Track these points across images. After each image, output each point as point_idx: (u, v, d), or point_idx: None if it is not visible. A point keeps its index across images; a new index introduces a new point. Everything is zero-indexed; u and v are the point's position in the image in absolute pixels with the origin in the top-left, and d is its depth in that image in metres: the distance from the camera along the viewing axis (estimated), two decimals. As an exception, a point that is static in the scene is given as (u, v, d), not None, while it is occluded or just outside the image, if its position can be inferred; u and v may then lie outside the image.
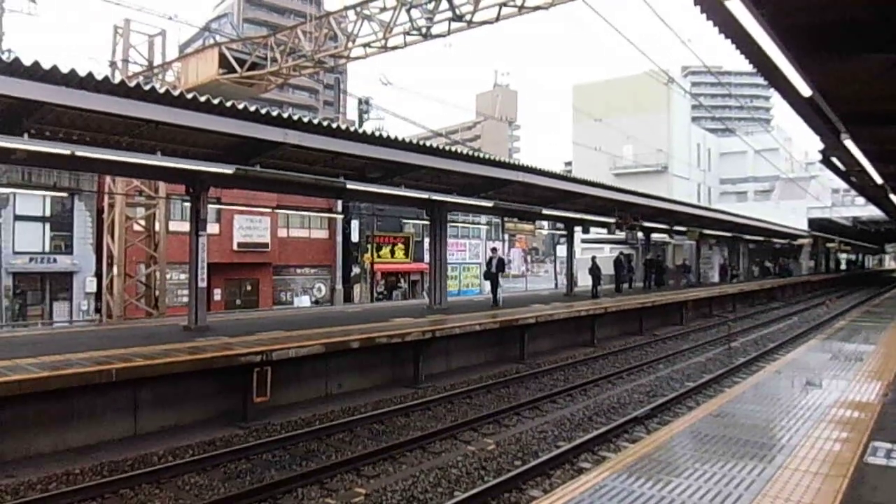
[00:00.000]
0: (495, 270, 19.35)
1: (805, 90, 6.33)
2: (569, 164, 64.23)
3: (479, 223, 40.22)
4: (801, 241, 47.26)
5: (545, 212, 20.71)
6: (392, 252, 35.51)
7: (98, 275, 22.01)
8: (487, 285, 43.62)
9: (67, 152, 9.31)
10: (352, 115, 33.80)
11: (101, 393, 8.61)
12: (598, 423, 10.12)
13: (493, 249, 19.22)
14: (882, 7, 5.17)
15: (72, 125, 9.88)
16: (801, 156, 62.50)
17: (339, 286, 32.72)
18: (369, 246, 32.22)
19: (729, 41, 5.70)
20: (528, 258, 72.42)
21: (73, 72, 8.06)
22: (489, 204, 17.33)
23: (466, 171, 14.47)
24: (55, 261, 23.67)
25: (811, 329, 22.11)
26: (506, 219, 21.21)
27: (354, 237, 32.33)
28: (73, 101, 8.35)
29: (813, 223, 47.63)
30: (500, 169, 15.73)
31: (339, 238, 32.62)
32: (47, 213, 23.88)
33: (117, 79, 8.97)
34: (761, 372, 9.89)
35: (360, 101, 29.09)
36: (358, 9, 13.04)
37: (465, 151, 14.90)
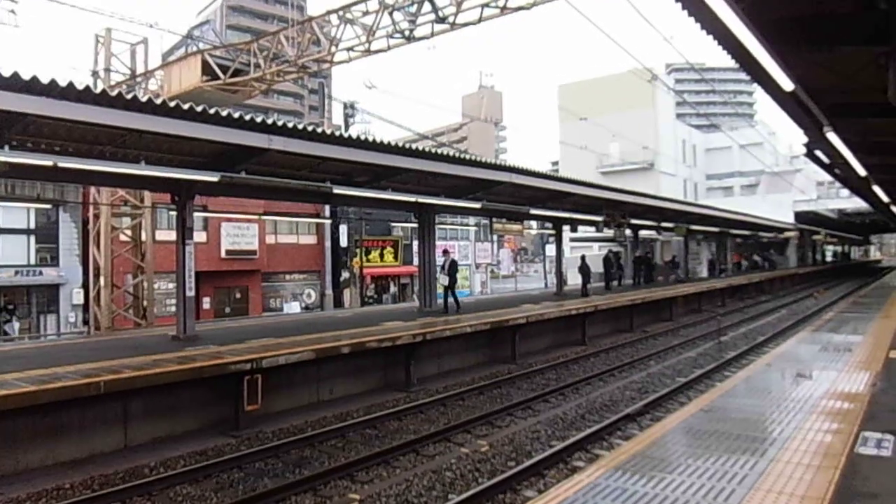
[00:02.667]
0: (448, 273, 17.76)
1: (787, 84, 6.36)
2: (556, 163, 64.44)
3: (467, 225, 40.22)
4: (787, 234, 47.57)
5: (533, 212, 20.72)
6: (381, 256, 35.47)
7: (85, 286, 21.84)
8: (478, 286, 43.82)
9: (50, 163, 9.22)
10: (337, 119, 33.76)
11: (90, 406, 8.54)
12: (591, 421, 10.13)
13: (445, 251, 18.28)
14: (860, 0, 5.21)
15: (54, 136, 9.79)
16: (785, 149, 62.91)
17: (329, 291, 32.62)
18: (358, 250, 32.17)
19: (710, 37, 5.72)
20: (518, 258, 72.49)
21: (53, 82, 7.98)
22: (477, 205, 17.32)
23: (453, 173, 14.46)
24: (41, 273, 23.46)
25: (800, 321, 22.27)
26: (494, 219, 21.21)
27: (343, 242, 32.24)
28: (54, 111, 8.27)
29: (799, 216, 47.98)
30: (487, 170, 15.74)
31: (328, 243, 32.54)
32: (32, 226, 23.68)
33: (99, 88, 8.89)
34: (752, 365, 9.93)
35: (345, 106, 29.07)
36: (341, 13, 13.02)
37: (451, 153, 14.89)
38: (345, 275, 32.50)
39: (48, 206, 22.50)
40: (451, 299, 17.87)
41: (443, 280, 17.85)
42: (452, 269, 17.85)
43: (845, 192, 34.62)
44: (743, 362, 14.37)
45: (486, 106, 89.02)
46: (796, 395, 7.24)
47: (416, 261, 26.69)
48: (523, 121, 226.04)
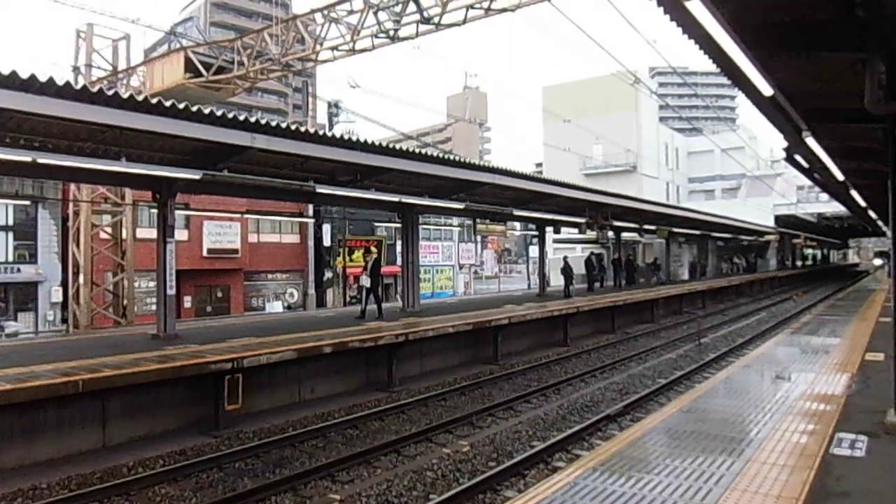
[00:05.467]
0: (370, 274, 16.28)
1: (766, 89, 6.43)
2: (539, 164, 64.61)
3: (451, 225, 40.26)
4: (767, 237, 48.10)
5: (517, 213, 20.79)
6: (364, 255, 35.34)
7: (64, 284, 21.58)
8: (461, 286, 43.84)
9: (29, 160, 9.12)
10: (322, 118, 33.62)
11: (67, 404, 8.44)
12: (572, 421, 10.18)
13: (367, 250, 16.56)
14: (838, 7, 5.28)
15: (33, 132, 9.68)
16: (766, 154, 63.55)
17: (312, 291, 32.50)
18: (341, 250, 32.05)
19: (692, 41, 5.78)
20: (501, 259, 72.65)
21: (33, 77, 7.88)
22: (460, 206, 17.35)
23: (437, 174, 14.47)
24: (19, 270, 23.17)
25: (779, 323, 22.49)
26: (478, 220, 21.25)
27: (326, 241, 32.15)
28: (34, 107, 8.16)
29: (779, 220, 48.54)
30: (470, 171, 15.77)
31: (311, 242, 32.43)
32: (10, 222, 23.38)
33: (80, 84, 8.80)
34: (731, 367, 10.05)
35: (329, 105, 28.99)
36: (325, 11, 12.99)
37: (435, 154, 14.90)
38: (328, 274, 32.40)
39: (27, 203, 22.24)
40: (387, 303, 16.39)
41: (364, 281, 16.48)
42: (375, 269, 16.49)
43: (825, 196, 35.07)
44: (722, 364, 14.49)
45: (471, 107, 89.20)
46: (774, 396, 7.33)
47: (399, 261, 26.67)
48: (508, 122, 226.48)
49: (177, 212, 13.14)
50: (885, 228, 38.32)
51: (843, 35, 5.56)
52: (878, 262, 75.15)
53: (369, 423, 10.25)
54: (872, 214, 27.85)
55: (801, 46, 5.73)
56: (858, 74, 5.68)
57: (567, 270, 24.87)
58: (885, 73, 5.34)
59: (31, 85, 7.96)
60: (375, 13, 12.29)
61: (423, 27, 12.09)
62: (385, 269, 36.06)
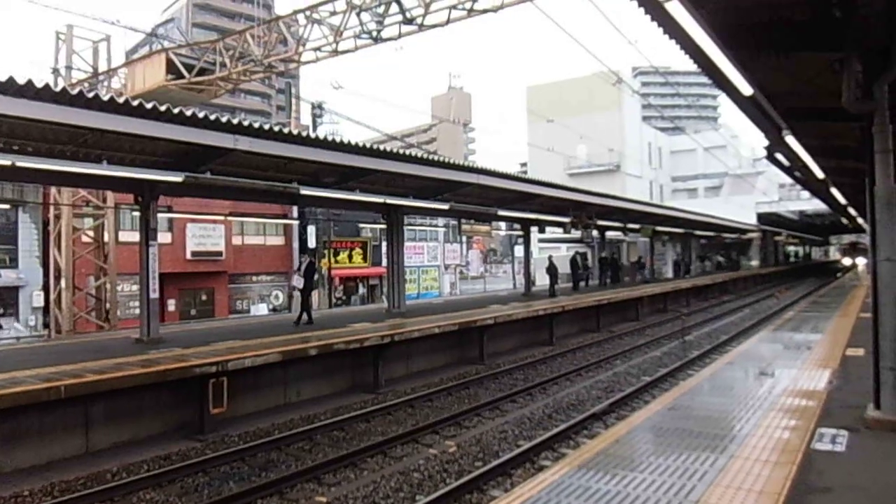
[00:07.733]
0: (304, 276, 15.40)
1: (746, 89, 6.51)
2: (524, 165, 64.73)
3: (436, 226, 40.23)
4: (750, 235, 48.53)
5: (501, 213, 20.82)
6: (350, 257, 35.28)
7: (45, 289, 21.36)
8: (447, 286, 43.82)
9: (8, 163, 9.01)
10: (306, 119, 33.50)
11: (50, 410, 8.36)
12: (558, 420, 10.22)
13: (304, 252, 15.84)
14: (816, 8, 5.35)
15: (12, 135, 9.57)
16: (748, 152, 64.15)
17: (297, 293, 32.37)
18: (326, 251, 31.96)
19: (673, 41, 5.83)
20: (487, 259, 72.79)
21: (11, 79, 7.80)
22: (445, 206, 17.35)
23: (422, 175, 14.47)
24: (-1, 275, 22.87)
25: (762, 320, 22.70)
26: (463, 220, 21.25)
27: (311, 243, 31.99)
28: (12, 109, 8.08)
29: (761, 217, 48.98)
30: (455, 171, 15.78)
31: (296, 244, 32.27)
32: (-10, 227, 23.07)
33: (59, 86, 8.71)
34: (715, 364, 10.12)
35: (313, 106, 28.87)
36: (308, 12, 12.97)
37: (419, 154, 14.91)
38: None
39: (7, 207, 21.94)
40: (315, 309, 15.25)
41: (296, 282, 15.63)
42: (310, 272, 15.68)
43: (806, 193, 35.47)
44: (707, 361, 14.61)
45: (455, 107, 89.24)
46: (757, 392, 7.40)
47: (384, 262, 26.64)
48: (492, 122, 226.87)
49: (159, 214, 13.06)
50: (864, 225, 38.82)
51: (820, 35, 5.64)
52: (847, 261, 66.41)
53: (356, 425, 10.23)
54: (852, 211, 28.21)
55: (780, 47, 5.81)
56: (836, 74, 5.76)
57: (552, 270, 24.96)
58: (861, 73, 5.42)
59: (9, 87, 7.87)
60: (358, 14, 12.29)
61: (405, 28, 12.11)
62: (371, 270, 36.18)
